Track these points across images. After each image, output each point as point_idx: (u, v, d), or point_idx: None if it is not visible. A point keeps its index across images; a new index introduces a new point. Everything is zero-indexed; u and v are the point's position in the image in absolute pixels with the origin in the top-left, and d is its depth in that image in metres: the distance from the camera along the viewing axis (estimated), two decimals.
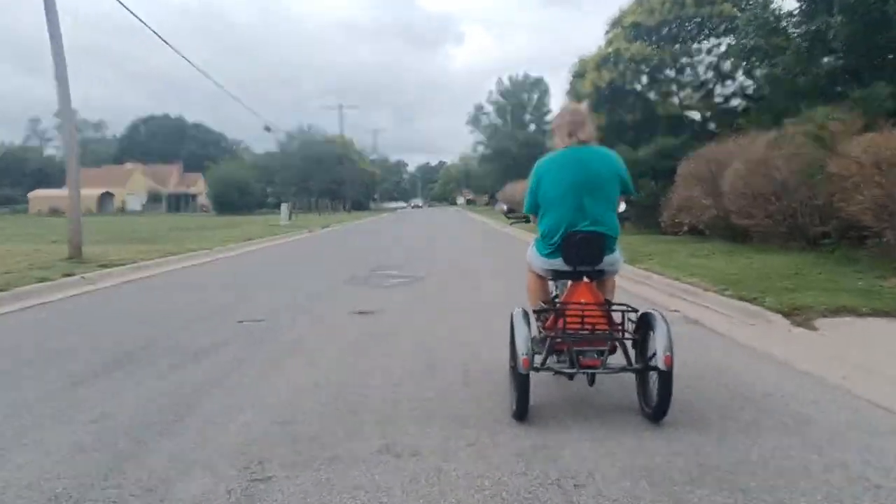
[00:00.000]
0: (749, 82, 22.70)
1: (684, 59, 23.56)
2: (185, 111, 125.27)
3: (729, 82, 23.00)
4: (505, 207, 5.35)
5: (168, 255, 14.92)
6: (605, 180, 3.97)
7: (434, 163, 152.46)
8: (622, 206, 4.29)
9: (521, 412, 3.71)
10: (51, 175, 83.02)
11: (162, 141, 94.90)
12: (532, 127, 70.71)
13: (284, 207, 31.12)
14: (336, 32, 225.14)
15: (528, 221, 4.80)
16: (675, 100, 23.45)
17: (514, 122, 70.97)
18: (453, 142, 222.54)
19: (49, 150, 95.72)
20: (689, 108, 22.65)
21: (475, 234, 26.60)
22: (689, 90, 23.47)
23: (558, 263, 4.01)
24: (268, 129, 43.04)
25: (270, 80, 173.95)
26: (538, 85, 73.55)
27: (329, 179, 66.26)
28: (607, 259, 4.00)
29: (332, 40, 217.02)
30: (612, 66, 22.89)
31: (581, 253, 3.92)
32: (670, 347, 3.52)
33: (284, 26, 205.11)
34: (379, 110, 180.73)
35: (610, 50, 23.15)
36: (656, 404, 3.62)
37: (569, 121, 4.11)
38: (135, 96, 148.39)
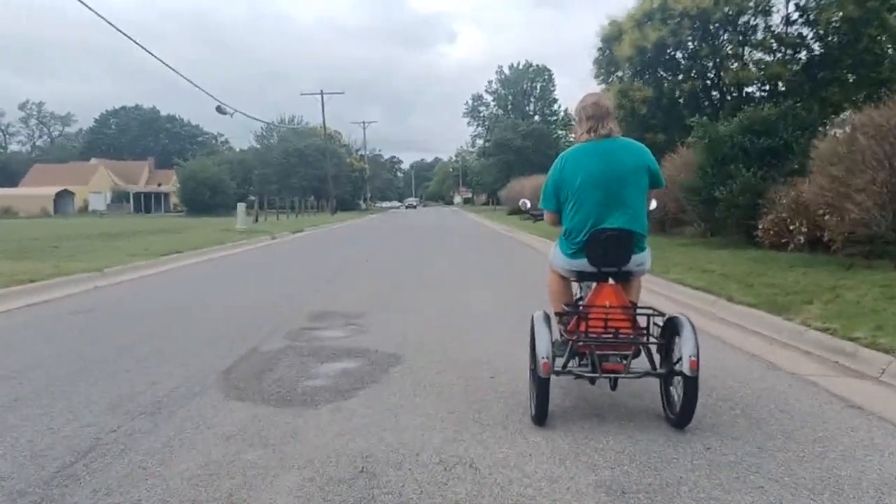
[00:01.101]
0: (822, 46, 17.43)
1: (749, 15, 18.15)
2: (163, 105, 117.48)
3: (808, 45, 17.67)
4: (528, 205, 4.90)
5: (14, 284, 9.66)
6: (632, 173, 3.69)
7: (429, 159, 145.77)
8: (653, 204, 4.06)
9: (541, 417, 3.54)
10: (15, 173, 76.84)
11: (133, 135, 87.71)
12: (536, 118, 64.86)
13: (241, 208, 25.06)
14: (326, 31, 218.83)
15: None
16: (738, 64, 17.94)
17: (516, 112, 65.03)
18: (448, 141, 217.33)
19: (13, 146, 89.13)
20: (771, 76, 17.10)
21: (480, 243, 21.17)
22: (761, 53, 18.04)
23: (582, 264, 3.75)
24: (220, 110, 36.67)
25: (259, 80, 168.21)
26: (541, 73, 67.75)
27: (312, 176, 59.64)
28: (635, 258, 3.72)
29: (324, 39, 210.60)
30: (658, 24, 17.43)
31: (608, 253, 3.65)
32: (696, 352, 3.32)
33: (273, 24, 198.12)
34: (372, 109, 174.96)
35: (655, 4, 17.67)
36: (681, 410, 3.45)
37: (591, 115, 3.78)
38: (106, 87, 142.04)
